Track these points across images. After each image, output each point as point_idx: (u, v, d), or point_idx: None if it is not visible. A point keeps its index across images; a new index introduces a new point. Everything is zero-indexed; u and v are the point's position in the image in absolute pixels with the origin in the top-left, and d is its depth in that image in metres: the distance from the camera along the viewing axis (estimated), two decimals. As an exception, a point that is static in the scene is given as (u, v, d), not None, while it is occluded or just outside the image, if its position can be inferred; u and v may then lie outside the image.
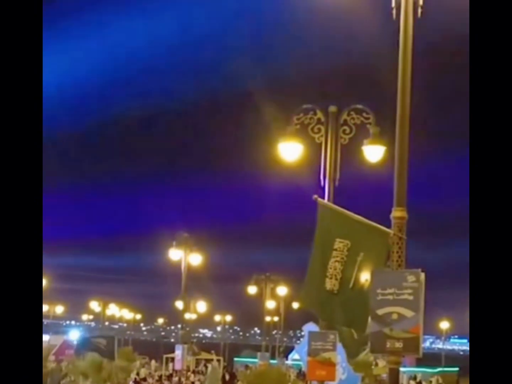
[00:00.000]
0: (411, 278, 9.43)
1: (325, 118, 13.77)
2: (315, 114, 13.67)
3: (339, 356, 13.88)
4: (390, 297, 9.49)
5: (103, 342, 27.17)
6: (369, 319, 9.74)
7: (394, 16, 10.38)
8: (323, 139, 13.76)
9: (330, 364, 13.04)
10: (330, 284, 10.54)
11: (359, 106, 13.82)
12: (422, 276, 9.59)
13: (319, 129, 13.72)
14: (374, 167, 13.90)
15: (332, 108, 13.86)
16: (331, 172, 13.88)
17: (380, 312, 9.52)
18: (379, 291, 9.56)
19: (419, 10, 10.30)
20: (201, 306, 63.53)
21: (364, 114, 13.73)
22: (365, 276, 10.29)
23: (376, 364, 32.19)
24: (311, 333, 13.85)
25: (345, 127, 13.86)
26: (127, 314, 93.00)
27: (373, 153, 13.74)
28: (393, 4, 10.37)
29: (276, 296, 55.94)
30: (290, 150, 13.68)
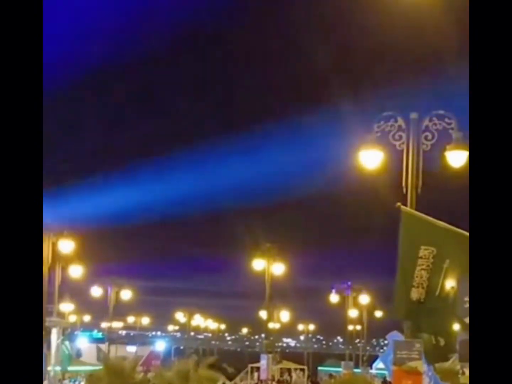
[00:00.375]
0: (499, 285, 9.25)
1: (406, 125, 13.69)
2: (396, 121, 13.61)
3: (425, 365, 13.70)
4: (478, 304, 9.36)
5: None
6: (457, 327, 9.62)
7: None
8: (404, 146, 13.67)
9: (416, 373, 12.88)
10: (417, 293, 10.44)
11: (441, 112, 13.68)
12: None
13: (400, 136, 13.65)
14: (457, 173, 13.74)
15: (413, 115, 13.77)
16: (413, 179, 13.77)
17: (467, 320, 9.40)
18: (466, 298, 9.45)
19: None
20: (285, 315, 63.52)
21: (446, 120, 13.59)
22: (450, 284, 10.17)
23: (463, 373, 31.60)
24: (396, 342, 13.70)
25: (427, 133, 13.74)
26: (211, 324, 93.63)
27: (457, 158, 13.60)
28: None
29: (359, 305, 55.55)
30: (371, 158, 13.66)
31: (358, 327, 62.69)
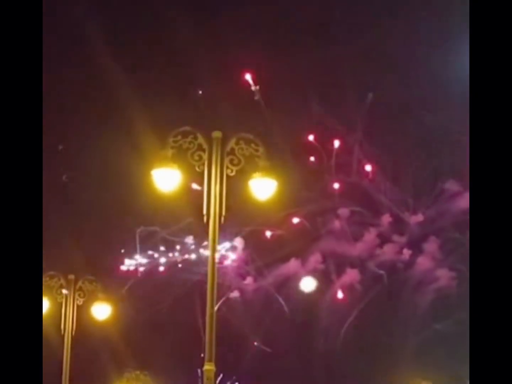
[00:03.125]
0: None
1: (208, 144, 12.34)
2: (195, 138, 12.27)
3: None
4: None
5: None
6: None
7: None
8: (205, 168, 12.29)
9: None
10: None
11: (249, 136, 12.44)
12: None
13: (200, 157, 12.30)
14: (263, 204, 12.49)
15: (216, 134, 12.44)
16: (216, 207, 12.35)
17: None
18: None
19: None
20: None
21: (253, 145, 12.37)
22: None
23: None
24: None
25: (233, 157, 12.43)
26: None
27: (263, 188, 12.36)
28: None
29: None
30: (166, 178, 12.22)
31: None
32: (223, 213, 12.37)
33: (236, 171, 12.35)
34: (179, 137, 12.16)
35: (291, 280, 49.72)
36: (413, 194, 50.13)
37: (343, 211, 50.16)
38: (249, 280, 49.30)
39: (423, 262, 48.27)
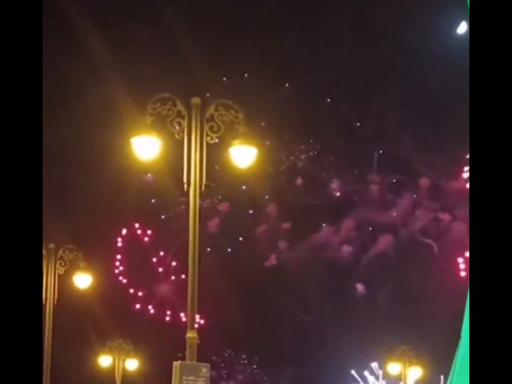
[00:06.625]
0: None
1: (187, 111, 12.20)
2: (174, 105, 12.12)
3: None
4: None
5: None
6: None
7: None
8: (185, 135, 12.16)
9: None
10: None
11: (228, 102, 12.26)
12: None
13: (180, 123, 12.17)
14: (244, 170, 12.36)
15: (195, 100, 12.27)
16: (196, 174, 12.24)
17: None
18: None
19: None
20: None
21: (233, 112, 12.19)
22: None
23: None
24: (182, 365, 12.25)
25: (212, 124, 12.27)
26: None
27: (242, 155, 12.21)
28: None
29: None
30: (145, 146, 12.10)
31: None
32: (204, 181, 12.26)
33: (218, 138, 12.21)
34: (158, 104, 12.03)
35: (325, 248, 49.46)
36: (453, 160, 49.31)
37: (379, 178, 49.71)
38: (282, 247, 49.20)
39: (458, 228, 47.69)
